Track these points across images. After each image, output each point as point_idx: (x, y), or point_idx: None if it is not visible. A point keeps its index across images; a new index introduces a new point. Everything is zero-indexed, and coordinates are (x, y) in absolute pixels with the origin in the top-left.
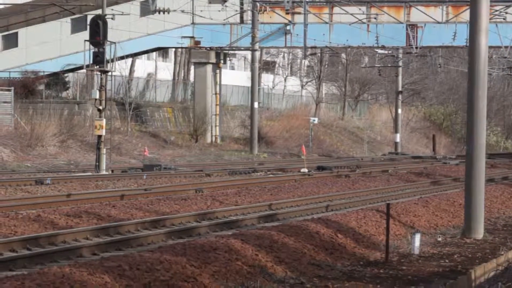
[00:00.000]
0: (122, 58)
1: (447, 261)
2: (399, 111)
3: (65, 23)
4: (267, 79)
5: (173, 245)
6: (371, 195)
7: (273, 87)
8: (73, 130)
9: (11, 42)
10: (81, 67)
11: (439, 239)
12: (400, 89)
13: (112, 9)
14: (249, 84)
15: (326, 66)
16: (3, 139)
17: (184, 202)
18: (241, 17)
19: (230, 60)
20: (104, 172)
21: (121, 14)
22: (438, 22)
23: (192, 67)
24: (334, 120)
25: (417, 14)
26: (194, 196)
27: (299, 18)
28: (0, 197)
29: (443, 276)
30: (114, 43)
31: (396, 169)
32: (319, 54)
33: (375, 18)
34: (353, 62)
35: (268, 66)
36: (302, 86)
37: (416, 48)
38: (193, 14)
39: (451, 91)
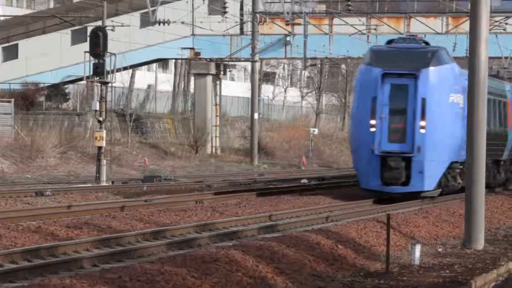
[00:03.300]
0: (125, 69)
1: (447, 271)
2: None
3: (65, 34)
4: (267, 90)
5: (174, 256)
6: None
7: (273, 98)
8: (74, 142)
9: (12, 53)
10: (81, 79)
11: (440, 249)
12: None
13: (112, 21)
14: (249, 95)
15: (326, 77)
16: (3, 150)
17: (185, 213)
18: (241, 29)
19: (230, 71)
20: (104, 184)
21: (121, 26)
22: (438, 33)
23: (192, 78)
24: (334, 131)
25: (417, 25)
26: (194, 207)
27: (299, 29)
28: (0, 208)
29: (444, 287)
30: (114, 54)
31: None
32: (319, 65)
33: (375, 29)
34: (353, 73)
35: (268, 77)
36: (302, 97)
37: None
38: (193, 25)
39: None
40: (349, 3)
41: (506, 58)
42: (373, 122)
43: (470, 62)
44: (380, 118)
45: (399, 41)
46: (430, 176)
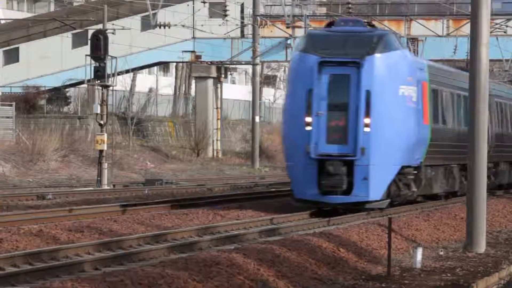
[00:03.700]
0: (126, 72)
1: (449, 275)
2: None
3: (66, 38)
4: (268, 93)
5: (175, 260)
6: None
7: (274, 101)
8: (75, 145)
9: (12, 57)
10: (82, 82)
11: (441, 253)
12: None
13: (113, 24)
14: (250, 98)
15: None
16: (4, 154)
17: (186, 217)
18: (242, 32)
19: (231, 74)
20: (105, 187)
21: (122, 29)
22: (439, 36)
23: (193, 82)
24: None
25: (417, 27)
26: (195, 210)
27: (299, 32)
28: (1, 212)
29: None
30: (115, 57)
31: None
32: None
33: None
34: None
35: (269, 80)
36: None
37: None
38: (194, 28)
39: None
40: (350, 5)
41: (507, 60)
42: (308, 119)
43: (471, 64)
44: (316, 114)
45: (340, 24)
46: (377, 183)
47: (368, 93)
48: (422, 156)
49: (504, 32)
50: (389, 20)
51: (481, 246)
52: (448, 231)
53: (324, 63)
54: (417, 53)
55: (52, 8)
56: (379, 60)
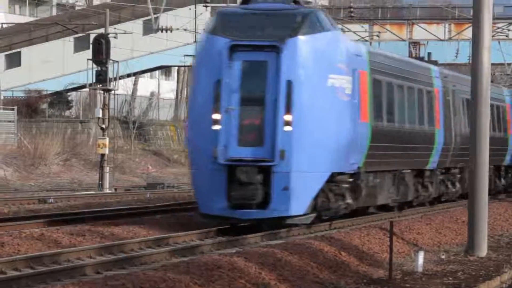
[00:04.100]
0: (128, 76)
1: (450, 278)
2: None
3: (68, 42)
4: None
5: (177, 264)
6: None
7: None
8: (76, 149)
9: (14, 61)
10: (84, 86)
11: (443, 256)
12: None
13: (115, 28)
14: None
15: None
16: (6, 158)
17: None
18: None
19: None
20: (107, 191)
21: (124, 33)
22: (441, 40)
23: None
24: None
25: (419, 31)
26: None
27: None
28: (3, 216)
29: None
30: (117, 62)
31: None
32: None
33: (377, 36)
34: None
35: None
36: None
37: None
38: (196, 32)
39: None
40: (352, 9)
41: (508, 64)
42: (216, 116)
43: (472, 68)
44: (226, 110)
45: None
46: (300, 194)
47: (289, 84)
48: (361, 160)
49: (506, 36)
50: (391, 24)
51: (483, 250)
52: (450, 234)
53: (236, 48)
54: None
55: (54, 12)
56: (303, 44)
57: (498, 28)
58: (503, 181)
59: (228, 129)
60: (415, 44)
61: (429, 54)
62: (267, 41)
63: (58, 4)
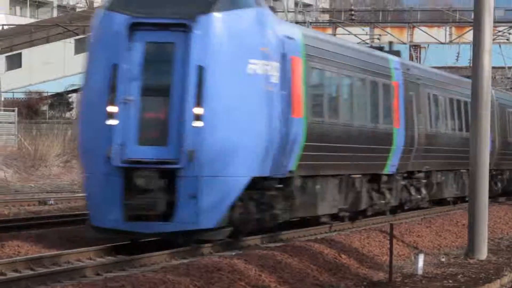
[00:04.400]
0: None
1: (450, 281)
2: None
3: (69, 43)
4: None
5: (177, 266)
6: None
7: None
8: (77, 151)
9: (15, 62)
10: None
11: (443, 259)
12: None
13: None
14: None
15: None
16: (6, 159)
17: None
18: None
19: None
20: None
21: None
22: (442, 43)
23: None
24: None
25: (420, 34)
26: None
27: None
28: (3, 217)
29: None
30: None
31: None
32: None
33: (378, 38)
34: None
35: None
36: None
37: None
38: None
39: None
40: (353, 12)
41: (509, 68)
42: (111, 109)
43: (473, 72)
44: (124, 102)
45: None
46: (212, 204)
47: (201, 70)
48: (293, 163)
49: (507, 39)
50: (392, 27)
51: (483, 253)
52: (450, 237)
53: (137, 26)
54: (420, 60)
55: (55, 14)
56: (218, 22)
57: (499, 31)
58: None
59: (125, 124)
60: (416, 47)
61: (390, 43)
62: (174, 18)
63: (59, 6)
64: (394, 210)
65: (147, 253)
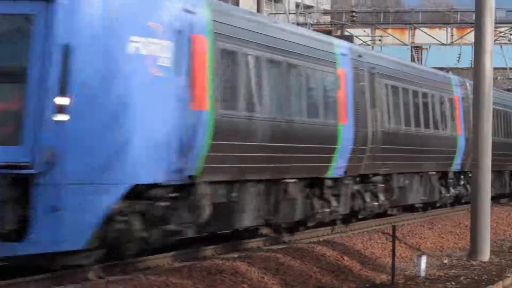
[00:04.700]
0: None
1: (453, 283)
2: None
3: None
4: None
5: (179, 268)
6: None
7: None
8: None
9: None
10: None
11: (445, 261)
12: None
13: None
14: None
15: None
16: None
17: None
18: None
19: None
20: None
21: None
22: (443, 44)
23: None
24: None
25: (421, 36)
26: None
27: None
28: None
29: None
30: None
31: None
32: None
33: (380, 40)
34: None
35: None
36: None
37: None
38: None
39: None
40: (354, 14)
41: (510, 69)
42: None
43: (475, 73)
44: None
45: None
46: (78, 218)
47: (66, 51)
48: (195, 166)
49: (508, 40)
50: (393, 28)
51: (486, 254)
52: (452, 239)
53: None
54: (421, 61)
55: None
56: None
57: (500, 32)
58: (452, 190)
59: None
60: (418, 48)
61: (341, 27)
62: None
63: None
64: (346, 219)
65: (150, 255)
